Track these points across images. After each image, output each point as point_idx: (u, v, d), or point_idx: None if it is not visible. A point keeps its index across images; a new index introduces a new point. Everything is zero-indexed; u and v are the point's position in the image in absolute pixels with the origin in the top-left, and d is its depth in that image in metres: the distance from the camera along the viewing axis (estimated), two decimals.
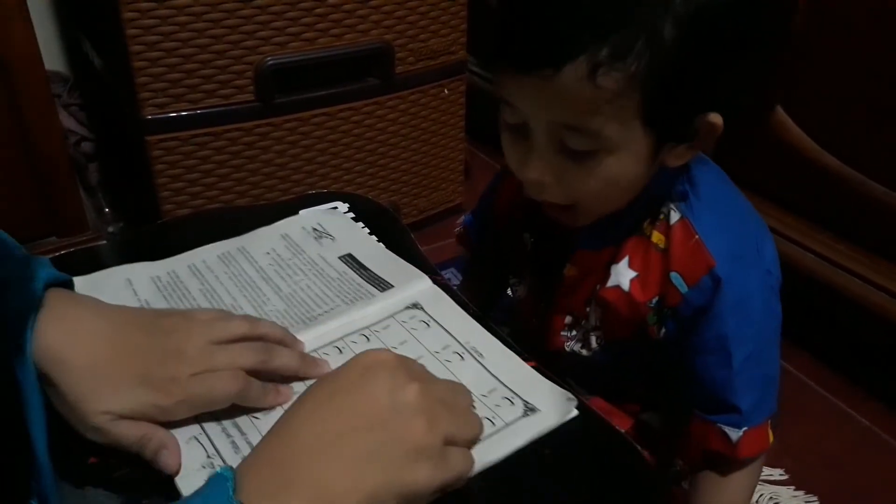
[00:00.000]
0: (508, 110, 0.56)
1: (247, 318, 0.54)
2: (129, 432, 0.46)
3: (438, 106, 1.38)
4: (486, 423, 0.50)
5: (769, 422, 0.60)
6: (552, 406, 0.52)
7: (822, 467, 1.02)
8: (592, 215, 0.60)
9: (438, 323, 0.60)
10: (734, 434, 0.59)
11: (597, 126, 0.51)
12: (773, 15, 0.55)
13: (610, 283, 0.61)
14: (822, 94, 1.09)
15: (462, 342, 0.58)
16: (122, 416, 0.46)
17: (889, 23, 0.98)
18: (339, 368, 0.44)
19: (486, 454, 0.47)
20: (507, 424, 0.50)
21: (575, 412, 0.51)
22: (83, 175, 1.42)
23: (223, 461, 0.47)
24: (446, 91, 1.38)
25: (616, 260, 0.61)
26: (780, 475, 0.99)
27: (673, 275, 0.58)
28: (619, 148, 0.53)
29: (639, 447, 0.52)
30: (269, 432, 0.42)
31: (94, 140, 1.47)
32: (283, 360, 0.51)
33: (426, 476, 0.41)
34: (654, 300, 0.60)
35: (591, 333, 0.65)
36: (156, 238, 0.71)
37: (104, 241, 1.17)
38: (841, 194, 1.09)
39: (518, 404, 0.52)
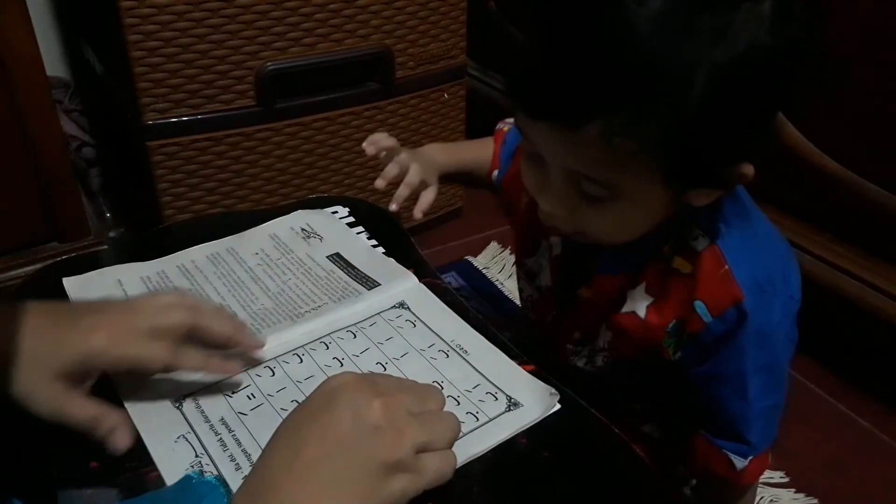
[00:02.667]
0: (525, 140, 0.54)
1: (179, 291, 0.57)
2: (80, 412, 0.47)
3: (438, 110, 1.38)
4: (469, 417, 0.51)
5: (771, 447, 0.61)
6: (535, 400, 0.53)
7: (823, 469, 1.02)
8: (602, 242, 0.58)
9: (424, 323, 0.61)
10: (740, 463, 0.58)
11: (614, 180, 0.50)
12: (814, 63, 0.50)
13: (625, 310, 0.60)
14: (821, 98, 1.09)
15: (447, 340, 0.59)
16: (75, 372, 0.47)
17: (889, 26, 0.98)
18: (307, 397, 0.45)
19: (470, 447, 0.48)
20: (491, 419, 0.51)
21: (557, 406, 0.52)
22: (84, 180, 1.43)
23: (211, 460, 0.48)
24: (446, 95, 1.38)
25: (634, 285, 0.60)
26: (781, 478, 0.99)
27: (697, 303, 0.57)
28: (638, 199, 0.51)
29: (634, 448, 0.52)
30: (251, 469, 0.43)
31: (95, 145, 1.48)
32: (212, 319, 0.52)
33: (402, 488, 0.42)
34: (672, 324, 0.59)
35: (599, 354, 0.65)
36: (156, 243, 0.72)
37: (105, 246, 1.18)
38: (841, 197, 1.09)
39: (501, 399, 0.53)
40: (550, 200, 0.54)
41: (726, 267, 0.56)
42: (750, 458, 0.59)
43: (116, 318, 0.50)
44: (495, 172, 0.79)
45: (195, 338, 0.52)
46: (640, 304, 0.59)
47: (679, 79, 0.44)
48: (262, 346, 0.56)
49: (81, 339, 0.48)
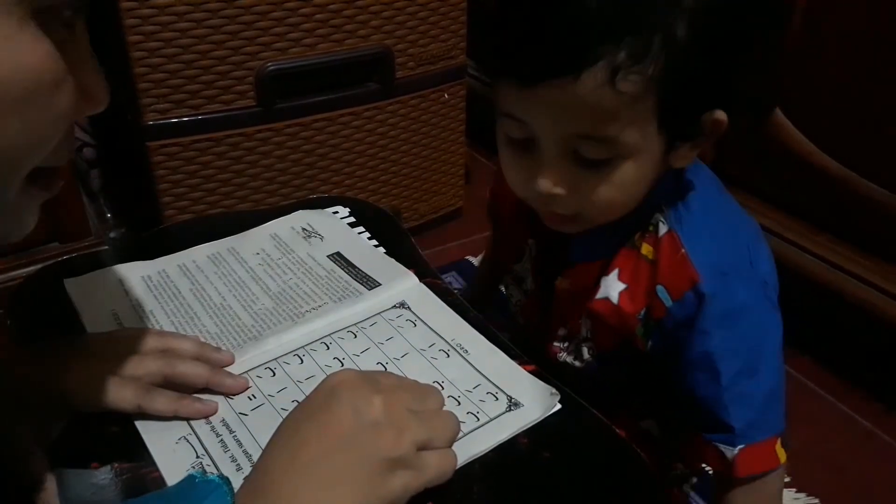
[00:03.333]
0: (513, 125, 0.54)
1: (159, 332, 0.57)
2: (31, 470, 0.47)
3: (439, 110, 1.39)
4: (470, 417, 0.51)
5: (777, 439, 0.59)
6: (535, 401, 0.53)
7: (824, 469, 1.02)
8: (593, 223, 0.58)
9: (424, 322, 0.61)
10: (729, 452, 0.57)
11: (614, 133, 0.50)
12: (776, 7, 0.55)
13: (599, 295, 0.61)
14: (820, 97, 1.09)
15: (448, 339, 0.59)
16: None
17: (887, 24, 0.99)
18: (307, 395, 0.45)
19: (471, 447, 0.49)
20: (492, 419, 0.51)
21: (558, 406, 0.52)
22: (85, 181, 1.43)
23: (212, 461, 0.48)
24: (446, 96, 1.38)
25: (607, 272, 0.61)
26: None
27: (659, 288, 0.58)
28: (635, 152, 0.52)
29: (635, 447, 0.52)
30: (252, 468, 0.43)
31: (95, 146, 1.48)
32: (187, 367, 0.53)
33: (402, 485, 0.42)
34: (643, 312, 0.59)
35: (583, 345, 0.65)
36: (157, 243, 0.72)
37: (106, 247, 1.18)
38: (840, 196, 1.09)
39: (502, 399, 0.53)
40: (547, 179, 0.54)
41: (683, 251, 0.57)
42: (739, 446, 0.57)
43: (90, 361, 0.51)
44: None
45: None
46: (612, 291, 0.60)
47: (663, 17, 0.47)
48: (245, 387, 0.55)
49: (54, 381, 0.49)
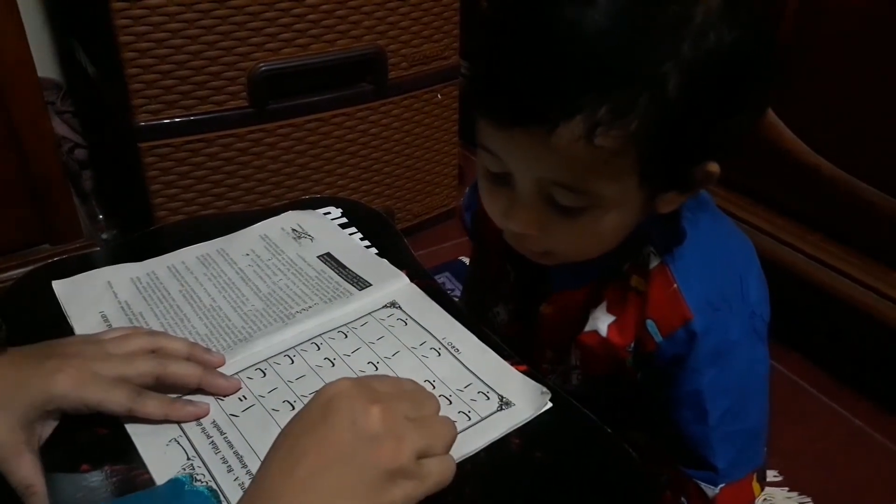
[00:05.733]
0: (490, 159, 0.52)
1: (149, 332, 0.56)
2: (22, 472, 0.46)
3: (432, 111, 1.38)
4: (462, 417, 0.51)
5: (754, 474, 0.59)
6: (526, 400, 0.53)
7: (816, 468, 1.02)
8: (569, 261, 0.57)
9: (415, 321, 0.61)
10: (710, 491, 0.57)
11: (590, 185, 0.48)
12: (774, 54, 0.51)
13: (588, 328, 0.60)
14: (813, 98, 1.09)
15: (439, 338, 0.59)
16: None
17: (879, 26, 0.99)
18: (303, 407, 0.45)
19: (463, 447, 0.48)
20: (483, 418, 0.51)
21: (549, 405, 0.52)
22: (77, 182, 1.42)
23: (203, 463, 0.48)
24: (439, 96, 1.38)
25: (594, 304, 0.59)
26: (774, 476, 0.99)
27: (649, 322, 0.56)
28: (613, 205, 0.50)
29: (627, 447, 0.52)
30: (251, 482, 0.43)
31: (87, 147, 1.47)
32: (179, 367, 0.52)
33: (404, 495, 0.42)
34: (632, 344, 0.58)
35: (572, 372, 0.64)
36: (148, 244, 0.72)
37: (97, 248, 1.17)
38: (832, 196, 1.09)
39: (493, 398, 0.53)
40: (520, 220, 0.52)
41: (675, 286, 0.55)
42: (720, 485, 0.57)
43: (81, 362, 0.50)
44: (466, 214, 0.78)
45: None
46: (601, 323, 0.59)
47: (655, 69, 0.44)
48: (238, 387, 0.54)
49: (44, 382, 0.48)
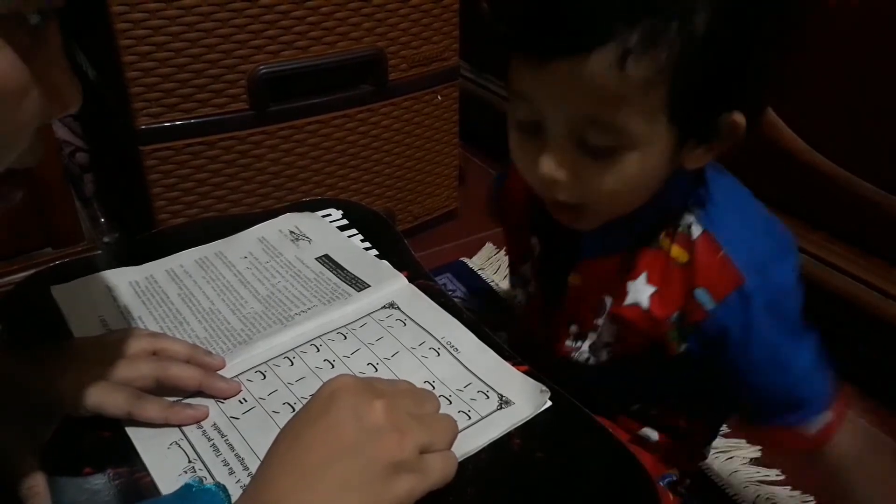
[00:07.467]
0: (522, 106, 0.53)
1: (150, 334, 0.56)
2: (23, 475, 0.47)
3: (432, 112, 1.38)
4: (462, 416, 0.51)
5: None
6: (526, 398, 0.53)
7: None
8: (601, 217, 0.57)
9: (414, 321, 0.61)
10: (812, 426, 0.58)
11: (621, 120, 0.49)
12: (798, 6, 0.53)
13: (628, 302, 0.60)
14: (813, 97, 1.09)
15: (438, 338, 0.59)
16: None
17: (879, 23, 0.99)
18: (306, 403, 0.45)
19: (463, 446, 0.49)
20: (483, 417, 0.51)
21: (549, 403, 0.52)
22: (78, 186, 1.43)
23: (204, 465, 0.48)
24: (440, 97, 1.38)
25: (633, 276, 0.59)
26: (777, 475, 0.99)
27: (698, 291, 0.56)
28: (642, 144, 0.50)
29: (628, 448, 0.52)
30: (251, 478, 0.43)
31: (88, 151, 1.47)
32: (180, 370, 0.53)
33: (407, 489, 0.42)
34: (675, 315, 0.58)
35: (604, 349, 0.64)
36: (151, 247, 0.72)
37: (99, 252, 1.17)
38: (833, 195, 1.09)
39: (493, 398, 0.53)
40: (553, 161, 0.52)
41: (722, 252, 0.56)
42: (821, 415, 0.58)
43: (81, 364, 0.51)
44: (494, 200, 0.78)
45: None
46: (642, 296, 0.59)
47: (684, 2, 0.46)
48: (238, 390, 0.55)
49: (44, 385, 0.49)
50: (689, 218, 0.57)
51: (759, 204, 0.62)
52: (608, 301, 0.61)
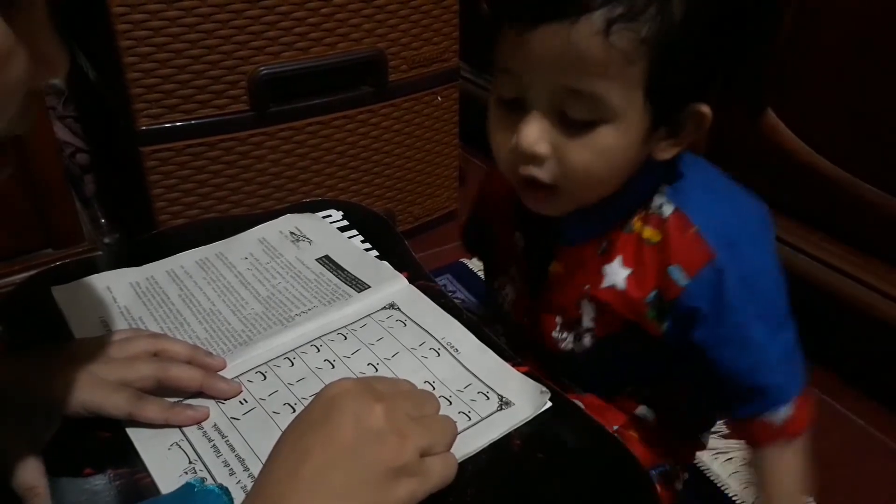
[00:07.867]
0: (506, 81, 0.55)
1: (151, 335, 0.56)
2: (26, 477, 0.47)
3: (432, 113, 1.39)
4: (462, 417, 0.51)
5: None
6: (526, 399, 0.53)
7: (817, 467, 1.02)
8: (573, 200, 0.58)
9: (414, 321, 0.61)
10: (778, 416, 0.59)
11: (601, 90, 0.51)
12: (772, 3, 0.57)
13: (604, 284, 0.61)
14: (813, 97, 1.09)
15: (438, 338, 0.59)
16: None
17: (879, 25, 0.99)
18: (305, 408, 0.45)
19: (463, 447, 0.49)
20: (483, 418, 0.51)
21: (549, 404, 0.53)
22: (79, 187, 1.43)
23: (205, 466, 0.48)
24: (440, 98, 1.38)
25: (608, 260, 0.61)
26: None
27: (671, 268, 0.58)
28: (618, 119, 0.53)
29: (627, 448, 0.52)
30: (253, 485, 0.43)
31: (89, 152, 1.47)
32: (180, 370, 0.53)
33: (408, 492, 0.42)
34: (651, 295, 0.60)
35: (585, 335, 0.65)
36: (151, 248, 0.72)
37: (99, 253, 1.17)
38: (832, 196, 1.09)
39: (493, 398, 0.53)
40: (531, 133, 0.54)
41: (693, 228, 0.57)
42: (787, 405, 0.59)
43: (81, 365, 0.51)
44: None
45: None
46: (618, 277, 0.61)
47: None
48: (239, 391, 0.55)
49: (45, 386, 0.49)
50: (660, 199, 0.59)
51: (731, 181, 0.64)
52: (587, 287, 0.63)
